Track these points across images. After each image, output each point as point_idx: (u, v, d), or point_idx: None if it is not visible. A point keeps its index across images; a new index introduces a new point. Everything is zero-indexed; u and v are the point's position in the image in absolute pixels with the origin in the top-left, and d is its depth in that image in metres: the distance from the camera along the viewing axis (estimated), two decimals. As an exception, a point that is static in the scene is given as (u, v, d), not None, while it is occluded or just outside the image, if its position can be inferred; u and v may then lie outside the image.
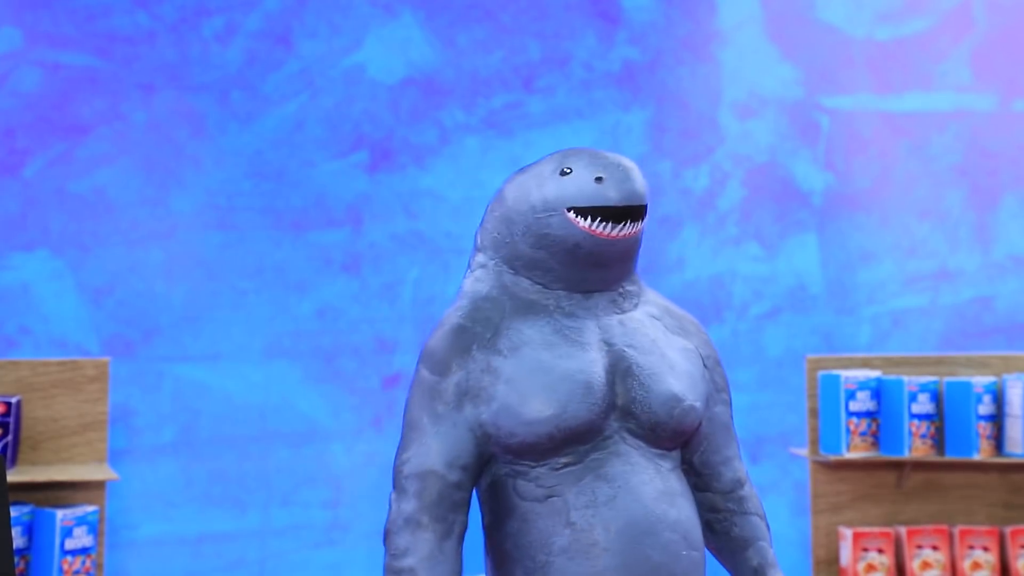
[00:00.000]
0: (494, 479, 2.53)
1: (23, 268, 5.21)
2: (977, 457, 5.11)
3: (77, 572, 4.69)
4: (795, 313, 5.77)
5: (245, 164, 5.40)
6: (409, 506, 2.46)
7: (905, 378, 5.17)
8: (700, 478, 2.66)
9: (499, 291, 2.60)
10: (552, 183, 2.56)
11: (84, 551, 4.71)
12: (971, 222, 5.90)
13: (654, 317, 2.64)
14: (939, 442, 5.23)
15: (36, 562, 4.70)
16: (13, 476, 4.65)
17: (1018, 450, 5.11)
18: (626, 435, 2.52)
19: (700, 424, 2.63)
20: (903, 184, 5.87)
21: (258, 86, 5.41)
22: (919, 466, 5.38)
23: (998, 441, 5.18)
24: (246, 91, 5.40)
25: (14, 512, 4.71)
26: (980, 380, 5.14)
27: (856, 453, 5.16)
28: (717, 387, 2.68)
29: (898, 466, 5.36)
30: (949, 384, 5.19)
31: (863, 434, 5.19)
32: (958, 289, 5.88)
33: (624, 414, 2.52)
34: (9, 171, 5.21)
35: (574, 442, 2.48)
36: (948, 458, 5.13)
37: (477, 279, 2.64)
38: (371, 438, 5.45)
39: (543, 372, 2.49)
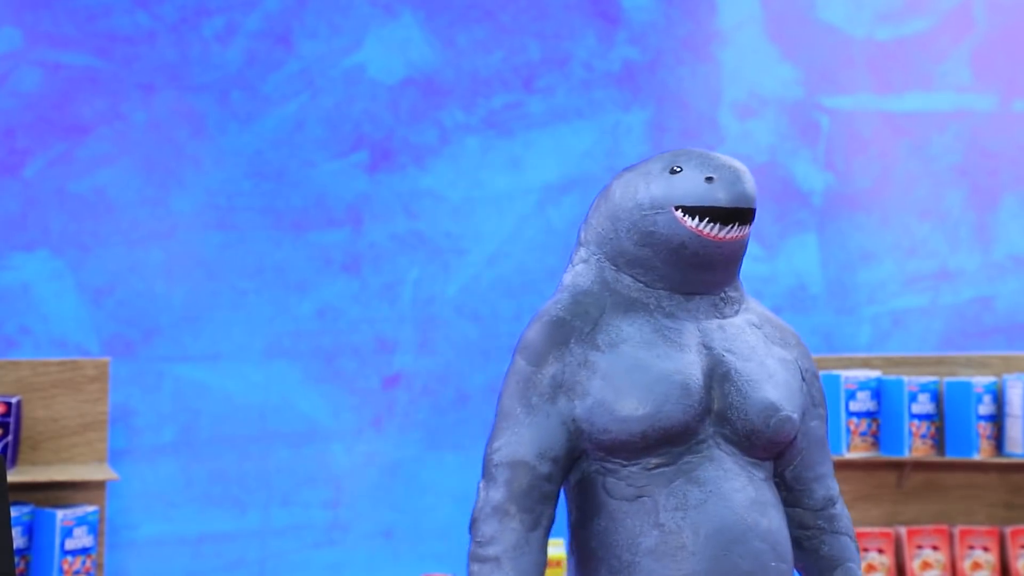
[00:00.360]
0: (583, 476, 2.51)
1: (23, 268, 5.21)
2: (977, 457, 5.11)
3: (77, 572, 4.69)
4: (795, 313, 5.77)
5: (245, 164, 5.40)
6: (498, 494, 2.44)
7: (905, 378, 5.17)
8: (791, 493, 2.62)
9: (600, 286, 2.57)
10: (661, 181, 2.53)
11: (84, 551, 4.71)
12: (971, 222, 5.90)
13: (754, 325, 2.61)
14: (939, 442, 5.23)
15: (36, 562, 4.70)
16: (13, 476, 4.66)
17: (1018, 450, 5.11)
18: (720, 441, 2.49)
19: (795, 437, 2.59)
20: (903, 184, 5.87)
21: (258, 86, 5.41)
22: (919, 466, 5.38)
23: (998, 441, 5.18)
24: (246, 91, 5.40)
25: (14, 512, 4.71)
26: (980, 380, 5.14)
27: (856, 453, 5.17)
28: (814, 402, 2.64)
29: (898, 466, 5.36)
30: (949, 384, 5.19)
31: (863, 434, 5.19)
32: (958, 289, 5.88)
33: (720, 419, 2.49)
34: (9, 171, 5.21)
35: (667, 443, 2.45)
36: (948, 458, 5.14)
37: (578, 273, 2.61)
38: (371, 438, 5.46)
39: (640, 370, 2.46)
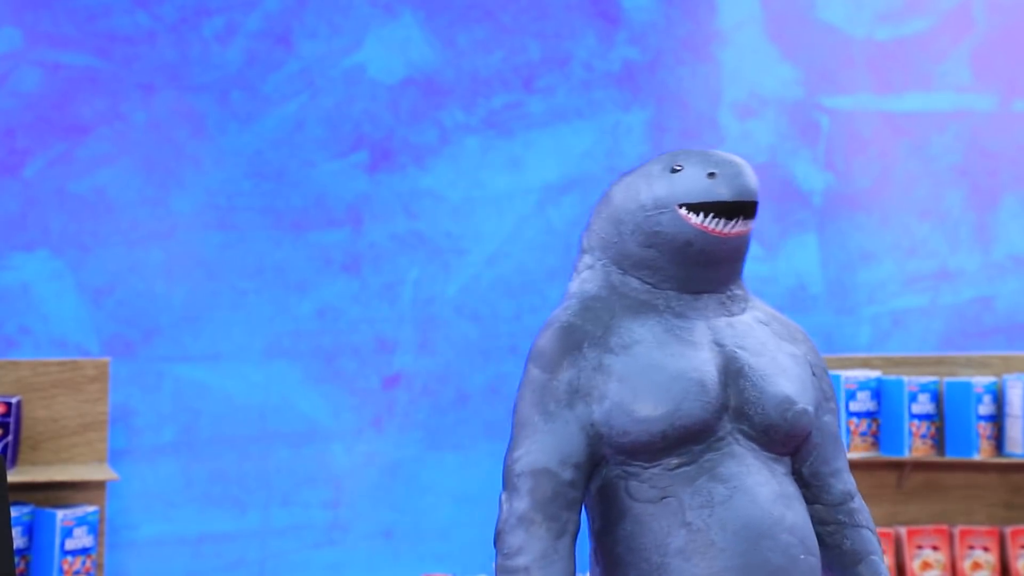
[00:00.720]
0: (604, 482, 2.49)
1: (23, 268, 5.21)
2: (977, 457, 5.11)
3: (77, 572, 4.69)
4: (795, 313, 5.77)
5: (245, 164, 5.40)
6: (522, 504, 2.42)
7: (905, 378, 5.17)
8: (809, 490, 2.61)
9: (608, 291, 2.57)
10: (662, 181, 2.53)
11: (84, 551, 4.71)
12: (971, 222, 5.90)
13: (762, 322, 2.61)
14: (939, 442, 5.23)
15: (36, 562, 4.70)
16: (13, 476, 4.65)
17: (1018, 450, 5.11)
18: (739, 437, 2.48)
19: (811, 431, 2.58)
20: (903, 184, 5.87)
21: (258, 86, 5.41)
22: (919, 466, 5.38)
23: (998, 441, 5.18)
24: (246, 91, 5.40)
25: (14, 512, 4.71)
26: (980, 380, 5.14)
27: (856, 453, 5.17)
28: (825, 396, 2.63)
29: (898, 466, 5.36)
30: (949, 384, 5.19)
31: (863, 434, 5.19)
32: (958, 289, 5.88)
33: (737, 415, 2.48)
34: (9, 171, 5.21)
35: (688, 441, 2.44)
36: (948, 458, 5.14)
37: (584, 280, 2.61)
38: (371, 438, 5.46)
39: (656, 370, 2.45)
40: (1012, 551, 5.22)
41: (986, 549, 5.21)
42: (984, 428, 5.11)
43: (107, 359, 4.98)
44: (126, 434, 5.26)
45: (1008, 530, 5.24)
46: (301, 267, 5.43)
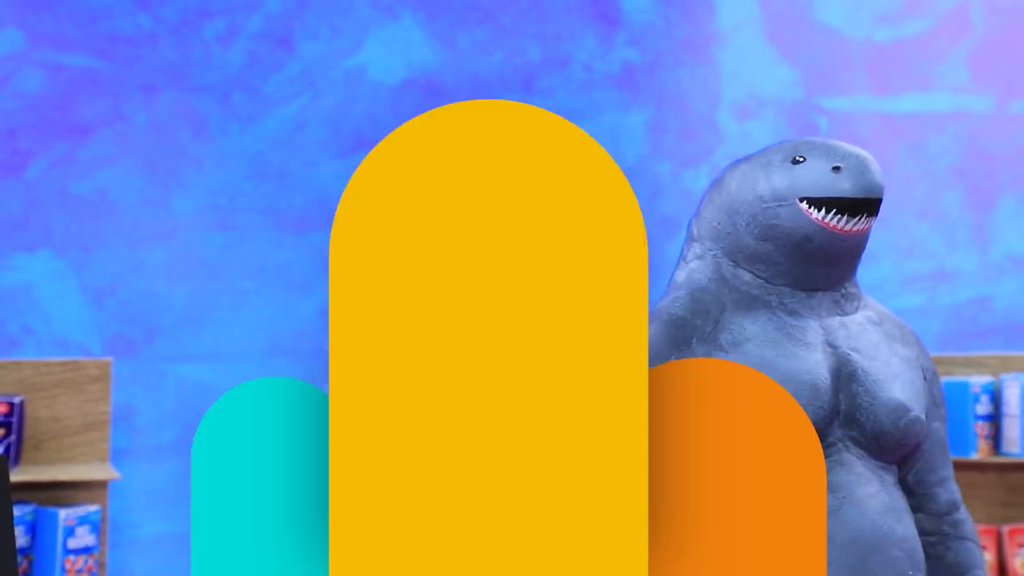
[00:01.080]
0: None
1: (25, 268, 5.23)
2: (975, 457, 5.13)
3: (80, 571, 4.71)
4: (794, 313, 5.79)
5: (246, 165, 5.42)
6: None
7: (903, 378, 5.18)
8: (913, 498, 2.50)
9: (718, 283, 2.44)
10: (783, 172, 2.40)
11: (87, 550, 4.73)
12: (969, 223, 5.92)
13: (875, 323, 2.49)
14: (937, 442, 5.25)
15: (39, 561, 4.72)
16: (16, 476, 4.67)
17: (1015, 450, 5.13)
18: (850, 444, 2.38)
19: (921, 440, 2.48)
20: (901, 185, 5.89)
21: (259, 87, 5.43)
22: (917, 465, 5.39)
23: (996, 441, 5.20)
24: (247, 92, 5.42)
25: (17, 511, 4.73)
26: (978, 380, 5.16)
27: (854, 453, 5.18)
28: (935, 402, 2.53)
29: (896, 465, 5.38)
30: (947, 384, 5.20)
31: (861, 434, 5.21)
32: (956, 289, 5.90)
33: (848, 421, 2.38)
34: (11, 172, 5.22)
35: None
36: (946, 458, 5.15)
37: (693, 270, 2.48)
38: (372, 438, 5.47)
39: (767, 370, 2.34)
40: (1010, 550, 5.24)
41: (984, 548, 5.23)
42: (982, 428, 5.13)
43: (109, 359, 5.00)
44: (128, 433, 5.28)
45: (1005, 529, 5.26)
46: (302, 267, 5.45)
